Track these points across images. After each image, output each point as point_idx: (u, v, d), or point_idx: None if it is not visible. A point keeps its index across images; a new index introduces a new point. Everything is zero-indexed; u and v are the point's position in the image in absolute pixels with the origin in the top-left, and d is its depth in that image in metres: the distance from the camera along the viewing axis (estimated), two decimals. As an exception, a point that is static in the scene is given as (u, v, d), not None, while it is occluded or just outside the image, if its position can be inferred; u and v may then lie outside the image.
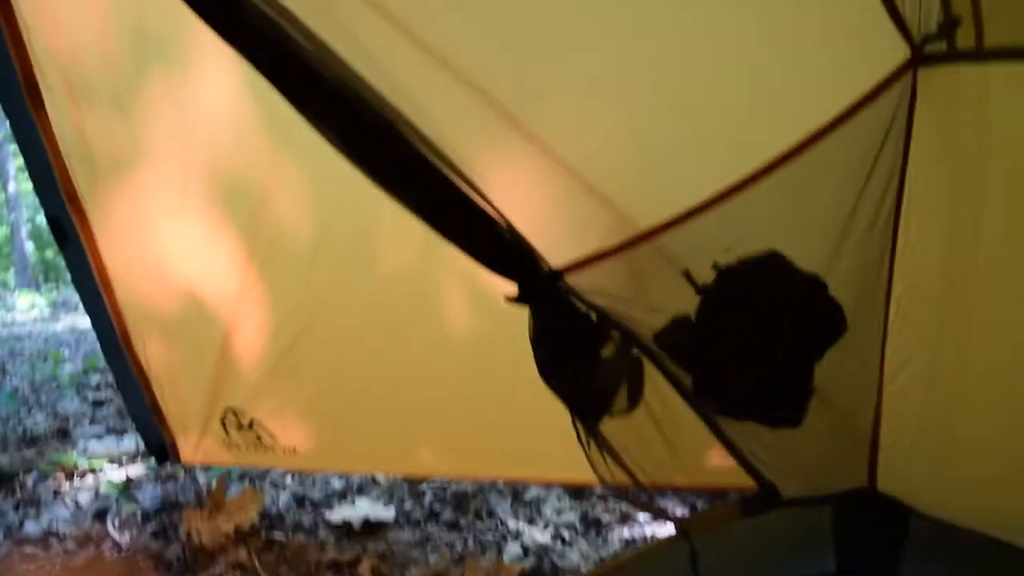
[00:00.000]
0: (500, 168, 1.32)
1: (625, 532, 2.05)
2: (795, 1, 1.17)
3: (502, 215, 1.28)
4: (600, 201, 1.35)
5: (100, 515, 2.42)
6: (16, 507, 2.56)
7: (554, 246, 1.33)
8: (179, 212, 1.92)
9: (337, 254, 1.83)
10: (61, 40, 1.75)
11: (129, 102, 1.82)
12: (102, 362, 4.94)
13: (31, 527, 2.38)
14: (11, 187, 14.15)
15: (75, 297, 10.73)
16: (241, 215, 1.87)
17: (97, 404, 3.96)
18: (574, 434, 1.42)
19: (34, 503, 2.57)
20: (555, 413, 1.41)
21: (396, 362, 1.91)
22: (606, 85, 1.27)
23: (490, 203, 1.28)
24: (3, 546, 2.27)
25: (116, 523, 2.36)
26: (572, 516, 2.16)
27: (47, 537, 2.33)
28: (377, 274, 1.82)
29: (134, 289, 2.08)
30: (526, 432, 1.81)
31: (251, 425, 2.18)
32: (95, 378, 4.58)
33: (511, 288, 1.29)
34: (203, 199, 1.89)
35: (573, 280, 1.31)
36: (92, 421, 3.62)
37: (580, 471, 1.65)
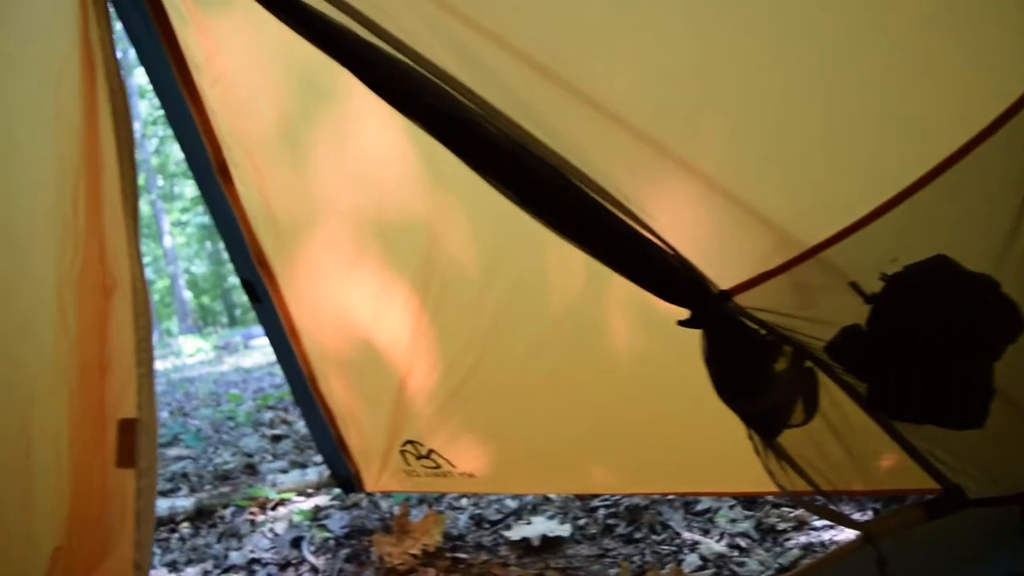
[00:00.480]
0: (662, 199, 1.39)
1: (802, 539, 2.04)
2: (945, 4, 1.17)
3: (669, 244, 1.35)
4: (759, 220, 1.38)
5: (295, 543, 2.61)
6: (219, 539, 2.80)
7: (719, 268, 1.38)
8: (354, 265, 2.09)
9: (503, 293, 1.93)
10: (241, 114, 1.94)
11: (303, 165, 2.01)
12: (273, 400, 5.30)
13: (235, 557, 2.60)
14: (167, 241, 15.33)
15: (236, 339, 11.47)
16: (411, 263, 2.01)
17: (275, 439, 4.24)
18: (744, 447, 1.46)
19: (235, 535, 2.81)
20: (725, 428, 1.46)
21: (565, 388, 1.99)
22: (760, 107, 1.31)
23: (656, 234, 1.35)
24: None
25: (311, 550, 2.54)
26: (747, 525, 2.17)
27: (251, 565, 2.53)
28: (543, 307, 1.90)
29: (318, 338, 2.27)
30: (697, 447, 1.84)
31: (429, 454, 2.32)
32: (268, 415, 4.90)
33: (682, 313, 1.35)
34: (375, 250, 2.05)
35: (741, 300, 1.36)
36: (274, 456, 3.90)
37: (752, 482, 1.68)
